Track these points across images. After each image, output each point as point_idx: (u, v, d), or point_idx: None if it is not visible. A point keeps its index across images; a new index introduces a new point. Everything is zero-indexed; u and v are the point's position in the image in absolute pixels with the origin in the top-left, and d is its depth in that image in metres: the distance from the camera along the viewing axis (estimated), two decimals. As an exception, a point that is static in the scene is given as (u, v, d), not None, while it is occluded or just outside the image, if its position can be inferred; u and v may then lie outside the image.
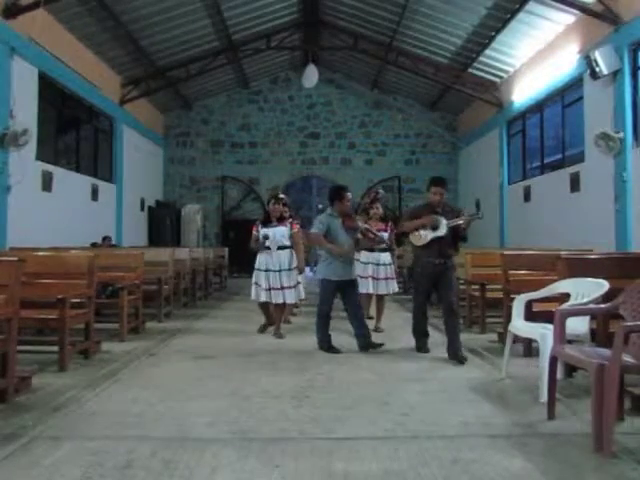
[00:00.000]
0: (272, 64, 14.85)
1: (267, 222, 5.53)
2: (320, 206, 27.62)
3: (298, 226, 5.78)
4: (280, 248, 5.41)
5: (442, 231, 4.41)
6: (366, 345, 4.74)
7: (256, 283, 5.48)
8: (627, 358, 2.56)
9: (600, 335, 3.28)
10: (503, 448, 2.54)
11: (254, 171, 15.63)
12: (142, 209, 13.79)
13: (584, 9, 8.09)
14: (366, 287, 5.79)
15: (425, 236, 4.48)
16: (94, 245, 9.17)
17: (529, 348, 4.39)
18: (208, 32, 11.48)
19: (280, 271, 5.38)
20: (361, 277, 5.67)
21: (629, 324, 2.62)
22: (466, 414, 3.04)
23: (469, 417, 2.98)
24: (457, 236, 4.55)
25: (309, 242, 5.51)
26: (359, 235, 5.08)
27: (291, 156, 15.81)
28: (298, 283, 5.69)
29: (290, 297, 5.46)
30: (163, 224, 14.36)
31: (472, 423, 2.89)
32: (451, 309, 4.49)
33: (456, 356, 4.29)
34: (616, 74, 7.72)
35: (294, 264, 5.52)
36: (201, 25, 11.08)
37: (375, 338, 5.00)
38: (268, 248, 5.39)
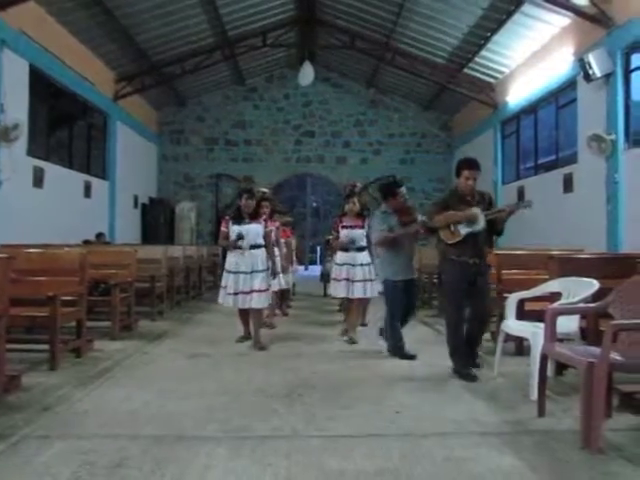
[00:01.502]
0: (268, 61, 14.80)
1: (239, 219, 4.96)
2: (314, 204, 27.62)
3: (288, 226, 5.66)
4: (253, 247, 4.89)
5: (480, 224, 3.73)
6: (393, 350, 4.50)
7: (224, 286, 4.96)
8: (615, 356, 2.59)
9: (590, 333, 3.31)
10: (494, 445, 2.56)
11: (249, 169, 15.59)
12: (136, 206, 13.72)
13: (578, 12, 8.13)
14: (341, 290, 5.26)
15: (459, 231, 3.79)
16: (87, 242, 9.11)
17: (521, 347, 4.42)
18: (203, 28, 11.43)
19: (252, 272, 4.83)
20: (336, 280, 5.30)
21: (617, 322, 2.65)
22: (458, 412, 3.06)
23: (461, 415, 3.01)
24: (493, 230, 3.86)
25: (379, 245, 4.67)
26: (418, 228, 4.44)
27: (286, 154, 15.79)
28: (269, 288, 5.04)
29: (258, 302, 4.82)
30: (157, 221, 14.29)
31: (464, 421, 2.91)
32: (482, 321, 3.90)
33: (472, 361, 3.95)
34: (609, 77, 7.77)
35: (268, 265, 5.02)
36: (196, 21, 11.03)
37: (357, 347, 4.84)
38: (240, 248, 4.86)
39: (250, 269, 4.84)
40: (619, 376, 2.96)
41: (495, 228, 3.84)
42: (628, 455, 2.43)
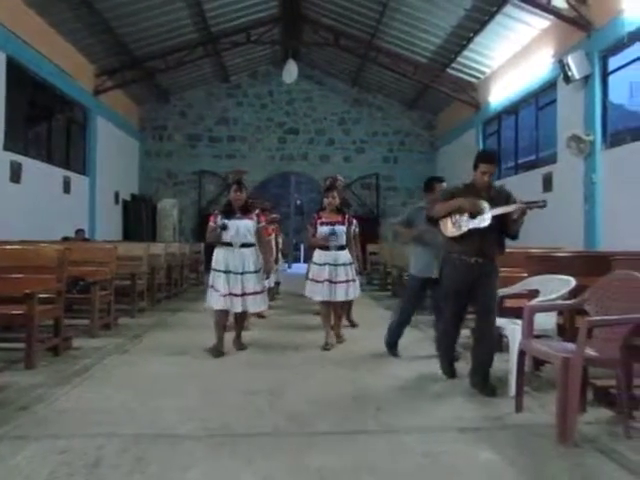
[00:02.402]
0: (252, 58, 14.73)
1: (229, 213, 4.54)
2: (298, 202, 27.55)
3: (274, 223, 5.47)
4: (244, 245, 4.47)
5: (485, 221, 3.33)
6: (387, 344, 4.48)
7: (212, 287, 4.46)
8: (590, 351, 2.65)
9: (566, 330, 3.38)
10: (472, 440, 2.60)
11: (232, 166, 15.44)
12: (117, 203, 13.53)
13: (558, 15, 8.27)
14: (321, 293, 4.76)
15: (460, 224, 3.41)
16: (66, 239, 8.95)
17: (500, 343, 4.48)
18: (187, 23, 11.31)
19: (243, 273, 4.43)
20: (315, 281, 4.81)
21: (592, 319, 2.71)
22: (437, 408, 3.10)
23: (440, 411, 3.05)
24: (505, 231, 3.45)
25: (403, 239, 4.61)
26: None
27: (270, 152, 15.74)
28: (265, 289, 4.71)
29: (254, 305, 4.51)
30: (138, 218, 14.12)
31: (443, 417, 2.95)
32: (483, 334, 3.46)
33: (484, 386, 3.37)
34: (587, 79, 7.93)
35: (260, 265, 4.59)
36: (179, 16, 10.91)
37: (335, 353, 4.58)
38: (229, 245, 4.46)
39: (241, 269, 4.43)
40: (595, 371, 3.03)
41: (507, 229, 3.41)
42: (601, 447, 2.50)
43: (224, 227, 4.43)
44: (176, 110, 15.53)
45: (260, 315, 6.01)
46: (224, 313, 4.49)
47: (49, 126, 10.34)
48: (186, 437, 2.63)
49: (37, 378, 3.61)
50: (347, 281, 4.81)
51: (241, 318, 4.67)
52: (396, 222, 4.56)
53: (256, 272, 4.50)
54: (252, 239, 4.53)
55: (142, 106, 15.21)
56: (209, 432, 2.70)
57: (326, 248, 4.81)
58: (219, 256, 4.49)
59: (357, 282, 4.96)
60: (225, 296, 4.38)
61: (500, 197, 3.45)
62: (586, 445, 2.52)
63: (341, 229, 4.83)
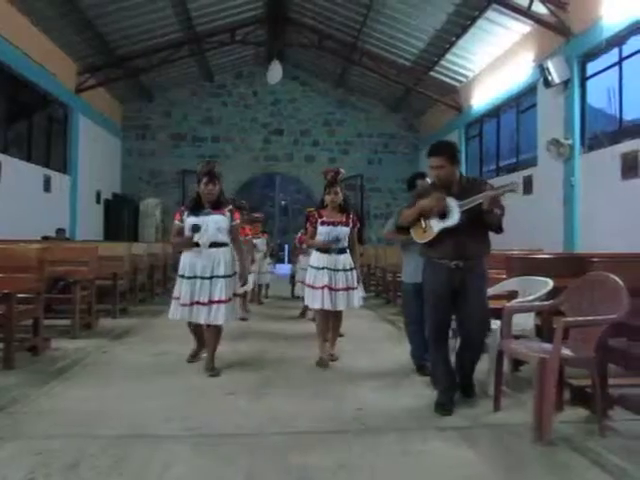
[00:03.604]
0: (237, 58, 14.69)
1: (198, 208, 3.90)
2: (283, 203, 27.57)
3: (257, 223, 5.11)
4: (214, 245, 3.81)
5: (453, 219, 3.00)
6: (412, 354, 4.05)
7: (175, 297, 3.90)
8: (566, 352, 2.71)
9: (544, 330, 3.44)
10: (451, 439, 2.64)
11: (216, 166, 15.39)
12: (98, 202, 13.36)
13: (538, 20, 8.44)
14: (319, 301, 4.15)
15: (431, 228, 3.10)
16: (46, 238, 8.81)
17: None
18: (171, 22, 11.23)
19: (212, 278, 3.76)
20: (313, 287, 4.21)
21: (567, 320, 2.77)
22: (417, 408, 3.13)
23: (420, 411, 3.08)
24: (486, 224, 3.10)
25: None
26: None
27: (254, 152, 15.70)
28: (235, 296, 4.08)
29: (220, 316, 3.74)
30: (120, 218, 13.96)
31: (423, 417, 2.98)
32: (469, 343, 3.19)
33: (464, 388, 3.32)
34: (567, 83, 8.10)
35: (235, 269, 3.95)
36: (164, 15, 10.83)
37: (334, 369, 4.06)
38: (197, 245, 3.81)
39: (210, 273, 3.77)
40: (572, 371, 3.10)
41: (486, 222, 3.05)
42: (577, 446, 2.55)
43: (196, 229, 3.77)
44: (160, 109, 15.40)
45: (243, 318, 5.92)
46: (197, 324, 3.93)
47: (29, 124, 10.16)
48: (167, 437, 2.62)
49: (15, 379, 3.56)
50: (347, 288, 4.21)
51: (214, 334, 3.90)
52: (388, 226, 4.18)
53: (227, 277, 3.80)
54: (224, 238, 3.86)
55: (125, 105, 15.05)
56: (190, 432, 2.69)
57: (325, 251, 4.23)
58: (185, 259, 3.87)
59: (359, 290, 4.38)
60: (186, 306, 3.75)
61: (472, 189, 3.07)
62: (562, 443, 2.58)
63: (344, 231, 4.23)
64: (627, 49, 7.29)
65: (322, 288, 4.14)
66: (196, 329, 4.11)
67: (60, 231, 9.76)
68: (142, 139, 15.37)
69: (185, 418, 2.88)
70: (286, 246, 20.33)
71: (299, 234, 7.72)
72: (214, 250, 3.81)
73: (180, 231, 3.92)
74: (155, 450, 2.45)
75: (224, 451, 2.46)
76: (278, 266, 16.92)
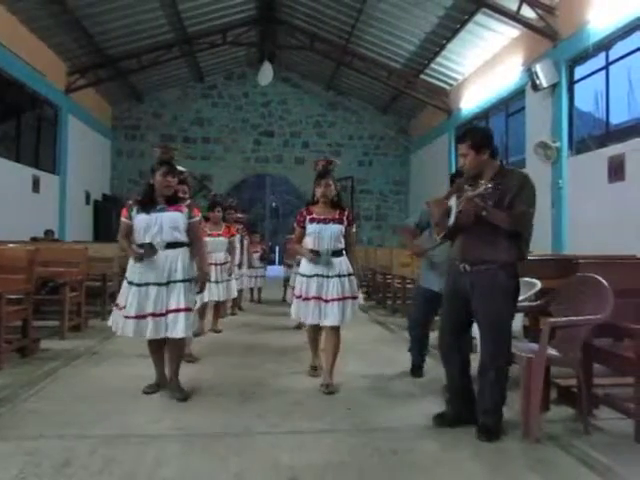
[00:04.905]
0: (227, 59, 14.67)
1: (149, 204, 3.29)
2: (274, 204, 27.55)
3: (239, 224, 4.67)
4: (171, 246, 3.22)
5: (451, 220, 2.73)
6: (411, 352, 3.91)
7: (117, 305, 3.28)
8: (553, 352, 2.76)
9: (531, 331, 3.49)
10: (439, 438, 2.67)
11: (207, 167, 15.38)
12: (88, 203, 13.26)
13: (527, 24, 8.54)
14: (306, 314, 3.54)
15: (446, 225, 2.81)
16: (35, 239, 8.74)
17: (470, 345, 4.58)
18: (162, 23, 11.20)
19: (168, 284, 3.18)
20: (301, 298, 3.57)
21: (553, 320, 2.82)
22: (406, 408, 3.17)
23: (409, 411, 3.11)
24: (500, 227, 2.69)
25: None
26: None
27: (245, 153, 15.69)
28: (193, 306, 3.30)
29: (179, 329, 3.13)
30: (110, 219, 13.84)
31: (411, 416, 3.01)
32: (480, 367, 2.73)
33: (481, 428, 2.68)
34: (555, 87, 8.20)
35: (193, 272, 3.31)
36: (154, 16, 10.79)
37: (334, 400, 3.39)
38: (150, 246, 3.17)
39: (166, 279, 3.18)
40: (559, 371, 3.15)
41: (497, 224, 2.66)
42: (563, 444, 2.60)
43: (151, 247, 3.16)
44: (150, 110, 15.33)
45: (216, 330, 5.50)
46: (155, 341, 3.27)
47: (18, 124, 10.07)
48: (156, 437, 2.62)
49: (4, 379, 3.54)
50: (342, 299, 3.49)
51: (176, 349, 3.32)
52: (404, 225, 3.93)
53: (185, 282, 3.22)
54: (182, 237, 3.27)
55: (115, 105, 14.96)
56: (180, 432, 2.70)
57: (316, 253, 3.50)
58: (134, 263, 3.25)
59: (358, 299, 3.63)
60: (136, 318, 3.14)
61: (502, 182, 2.69)
62: (548, 442, 2.62)
63: (337, 229, 3.56)
64: (614, 53, 7.41)
65: (311, 299, 3.52)
66: (155, 352, 3.38)
67: (49, 232, 9.68)
68: (132, 140, 15.29)
69: (175, 418, 2.88)
70: (277, 247, 20.34)
71: (289, 236, 7.68)
72: (171, 252, 3.21)
73: (128, 230, 3.30)
74: (145, 450, 2.45)
75: (214, 451, 2.47)
76: (269, 268, 16.90)
